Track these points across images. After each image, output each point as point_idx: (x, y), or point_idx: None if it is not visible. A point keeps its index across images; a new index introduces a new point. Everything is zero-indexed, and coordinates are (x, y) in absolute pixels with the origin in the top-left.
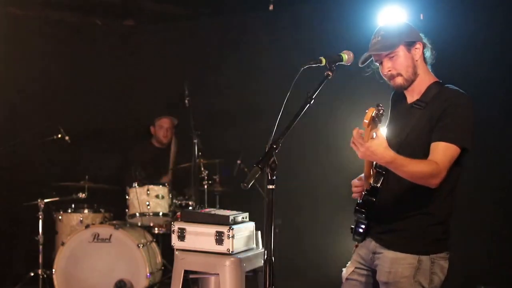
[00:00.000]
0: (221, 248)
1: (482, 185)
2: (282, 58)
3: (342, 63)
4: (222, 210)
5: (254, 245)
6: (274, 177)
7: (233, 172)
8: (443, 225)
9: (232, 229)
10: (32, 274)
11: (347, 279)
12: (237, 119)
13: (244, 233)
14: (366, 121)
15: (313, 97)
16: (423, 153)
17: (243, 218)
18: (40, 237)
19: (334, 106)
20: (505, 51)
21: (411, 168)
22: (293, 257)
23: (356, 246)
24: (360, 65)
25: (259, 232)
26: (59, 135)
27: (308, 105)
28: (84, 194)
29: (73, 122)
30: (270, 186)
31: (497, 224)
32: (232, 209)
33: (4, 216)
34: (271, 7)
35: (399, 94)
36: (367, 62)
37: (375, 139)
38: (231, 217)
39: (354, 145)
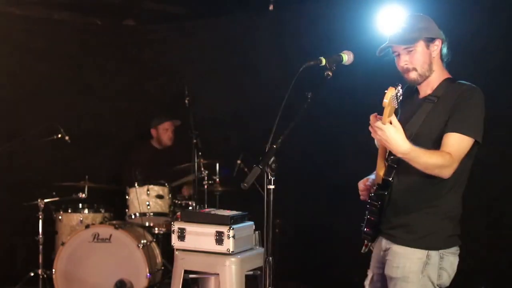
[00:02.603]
0: (221, 248)
1: (485, 184)
2: (282, 58)
3: (342, 63)
4: (222, 210)
5: (254, 245)
6: (274, 177)
7: (233, 172)
8: (453, 219)
9: (232, 229)
10: (32, 274)
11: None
12: (237, 119)
13: (244, 233)
14: (386, 100)
15: (313, 97)
16: (434, 146)
17: (243, 218)
18: (40, 237)
19: (334, 105)
20: (507, 51)
21: (425, 159)
22: (293, 257)
23: (366, 245)
24: (377, 55)
25: (259, 232)
26: (59, 135)
27: (308, 105)
28: (84, 194)
29: (73, 122)
30: (270, 186)
31: (498, 223)
32: (232, 209)
33: (4, 216)
34: (271, 7)
35: (411, 89)
36: (384, 52)
37: (392, 127)
38: (231, 217)
39: (372, 129)
